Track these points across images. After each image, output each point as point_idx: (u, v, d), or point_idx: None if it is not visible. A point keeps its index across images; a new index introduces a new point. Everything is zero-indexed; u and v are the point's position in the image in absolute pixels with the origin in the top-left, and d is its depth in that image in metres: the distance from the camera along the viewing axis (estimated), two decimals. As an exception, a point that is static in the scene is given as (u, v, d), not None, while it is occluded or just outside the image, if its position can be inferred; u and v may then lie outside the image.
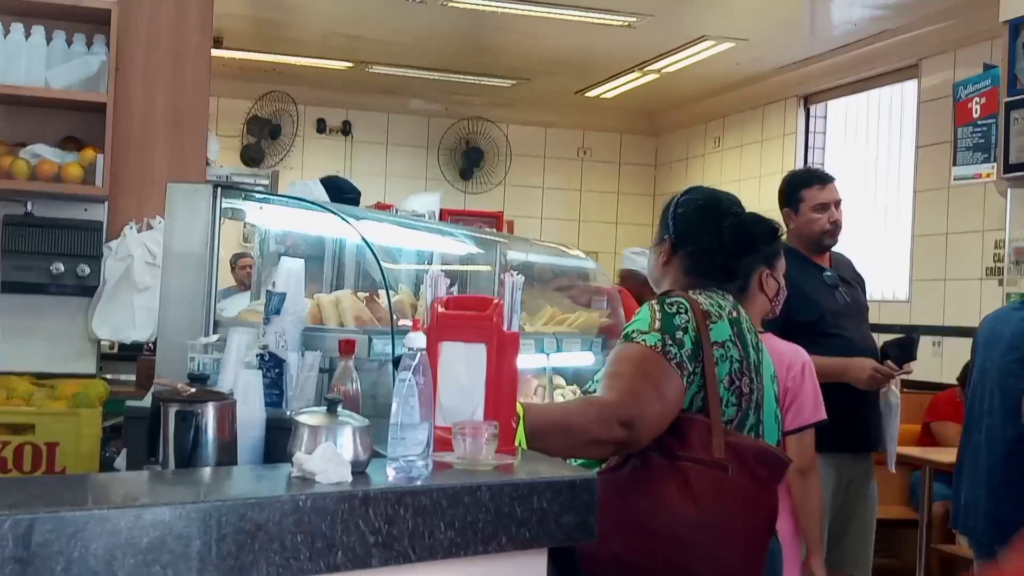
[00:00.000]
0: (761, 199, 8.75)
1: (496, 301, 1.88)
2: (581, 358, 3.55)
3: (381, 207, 6.23)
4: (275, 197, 2.73)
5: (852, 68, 7.60)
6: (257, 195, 2.70)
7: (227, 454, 1.91)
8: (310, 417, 1.61)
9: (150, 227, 4.29)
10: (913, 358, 3.78)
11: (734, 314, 2.40)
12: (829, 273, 3.95)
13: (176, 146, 4.37)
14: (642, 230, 10.26)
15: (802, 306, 3.69)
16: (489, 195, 9.94)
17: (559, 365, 3.51)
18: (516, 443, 1.90)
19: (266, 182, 5.03)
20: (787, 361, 3.09)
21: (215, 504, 1.34)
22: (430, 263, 3.49)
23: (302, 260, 2.48)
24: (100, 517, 1.24)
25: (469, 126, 9.96)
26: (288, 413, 2.34)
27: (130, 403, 2.59)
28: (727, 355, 2.31)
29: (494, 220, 8.98)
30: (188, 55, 4.41)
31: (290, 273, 2.47)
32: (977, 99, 4.83)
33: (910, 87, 7.14)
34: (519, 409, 1.97)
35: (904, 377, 3.81)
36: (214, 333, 2.56)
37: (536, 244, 4.16)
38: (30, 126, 4.22)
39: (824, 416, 3.16)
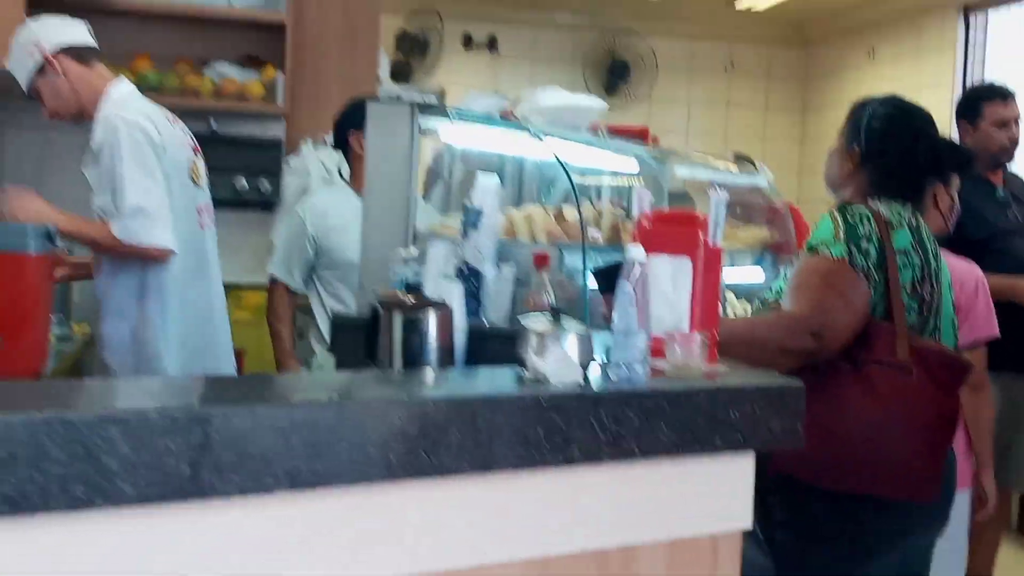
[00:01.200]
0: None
1: (702, 216, 1.96)
2: (750, 273, 3.61)
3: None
4: (469, 114, 2.84)
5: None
6: (450, 114, 2.81)
7: (447, 357, 2.05)
8: (537, 323, 1.72)
9: (325, 143, 4.46)
10: None
11: (913, 222, 2.46)
12: (1002, 191, 3.92)
13: (348, 64, 4.52)
14: (790, 145, 10.14)
15: (973, 223, 3.69)
16: (635, 109, 9.92)
17: (729, 281, 3.58)
18: None
19: (435, 100, 5.13)
20: (960, 277, 3.11)
21: (470, 397, 1.47)
22: (602, 177, 3.57)
23: (497, 177, 2.60)
24: (385, 403, 1.39)
25: (615, 40, 9.93)
26: (485, 322, 2.49)
27: (337, 312, 2.76)
28: (909, 262, 2.39)
29: (640, 135, 9.00)
30: (360, -27, 4.54)
31: (486, 190, 2.58)
32: None
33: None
34: None
35: None
36: (413, 246, 2.71)
37: (706, 158, 4.20)
38: (212, 44, 4.41)
39: (996, 332, 3.18)
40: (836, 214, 2.41)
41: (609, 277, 2.04)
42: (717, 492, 1.76)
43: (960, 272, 3.15)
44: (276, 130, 4.44)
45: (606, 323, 2.23)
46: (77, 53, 3.08)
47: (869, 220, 2.37)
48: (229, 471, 1.28)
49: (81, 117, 3.12)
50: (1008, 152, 3.92)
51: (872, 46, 9.22)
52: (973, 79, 7.99)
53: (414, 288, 2.22)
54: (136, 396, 1.48)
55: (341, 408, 1.37)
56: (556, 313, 1.75)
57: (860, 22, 9.24)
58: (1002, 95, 3.95)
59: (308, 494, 1.35)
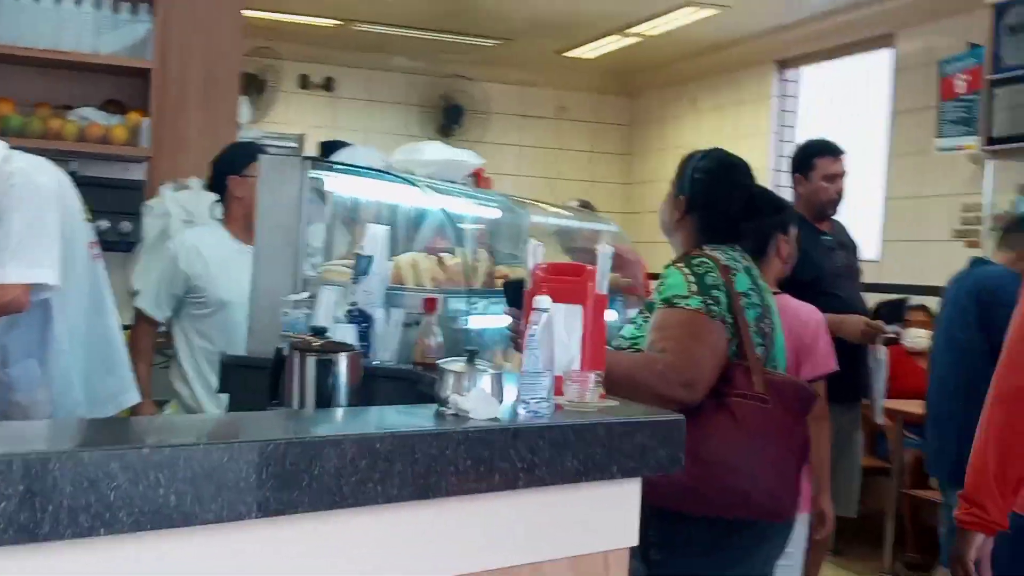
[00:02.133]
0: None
1: (589, 268, 2.19)
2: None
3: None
4: (353, 168, 3.01)
5: (828, 35, 7.93)
6: (336, 167, 2.98)
7: (356, 397, 2.22)
8: (454, 365, 1.91)
9: (185, 187, 4.55)
10: (902, 318, 4.15)
11: (746, 263, 2.74)
12: (828, 237, 4.30)
13: (209, 109, 4.62)
14: (617, 188, 10.58)
15: (804, 266, 4.03)
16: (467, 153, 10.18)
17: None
18: None
19: (294, 144, 5.29)
20: (803, 318, 3.42)
21: (410, 433, 1.65)
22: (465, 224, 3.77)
23: (387, 227, 2.78)
24: (332, 441, 1.55)
25: (450, 83, 10.20)
26: (374, 363, 2.66)
27: (227, 354, 2.89)
28: (751, 302, 2.67)
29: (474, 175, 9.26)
30: (222, 20, 4.65)
31: (376, 238, 2.77)
32: (961, 76, 5.19)
33: (885, 55, 7.48)
34: None
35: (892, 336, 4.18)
36: (304, 291, 2.86)
37: (557, 208, 4.46)
38: (74, 89, 4.46)
39: (835, 367, 3.50)
40: (684, 268, 2.65)
41: (515, 291, 2.28)
42: (611, 514, 1.98)
43: (803, 313, 3.46)
44: (136, 173, 4.51)
45: (514, 339, 2.45)
46: None
47: (714, 269, 2.63)
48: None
49: None
50: (835, 203, 4.30)
51: (694, 96, 9.74)
52: (786, 129, 8.55)
53: (319, 331, 2.37)
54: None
55: (305, 445, 1.53)
56: (472, 354, 1.94)
57: (683, 74, 9.76)
58: (832, 152, 4.32)
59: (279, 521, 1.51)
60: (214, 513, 1.45)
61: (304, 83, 9.92)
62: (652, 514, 2.42)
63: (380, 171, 3.04)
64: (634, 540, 2.02)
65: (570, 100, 10.62)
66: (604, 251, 2.22)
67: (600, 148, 10.73)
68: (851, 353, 4.09)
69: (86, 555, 1.37)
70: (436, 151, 3.33)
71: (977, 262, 4.12)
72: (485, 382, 1.89)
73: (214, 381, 3.70)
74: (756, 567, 2.71)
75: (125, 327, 4.31)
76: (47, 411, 3.11)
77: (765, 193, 2.97)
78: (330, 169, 2.98)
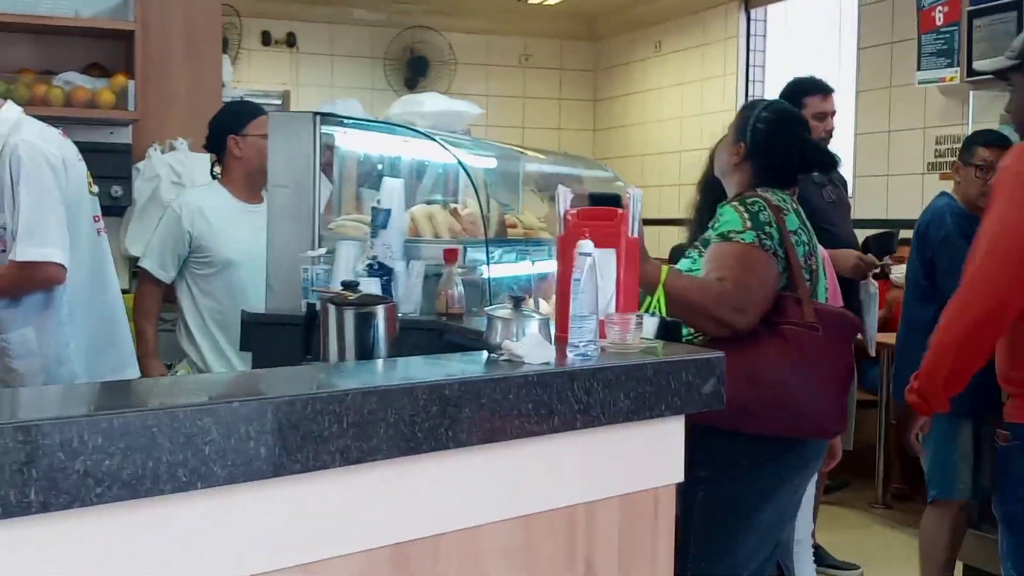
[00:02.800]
0: (704, 103, 9.15)
1: (621, 212, 2.22)
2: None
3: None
4: (363, 122, 3.02)
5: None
6: (347, 121, 2.99)
7: (395, 348, 2.25)
8: (502, 311, 1.94)
9: (173, 148, 4.53)
10: (892, 251, 4.21)
11: (795, 206, 2.87)
12: (817, 173, 4.34)
13: (193, 69, 4.59)
14: (584, 135, 10.59)
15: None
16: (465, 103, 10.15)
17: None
18: (657, 298, 2.48)
19: (278, 102, 5.26)
20: None
21: (475, 379, 1.68)
22: (459, 175, 3.79)
23: (402, 179, 2.80)
24: (405, 389, 1.58)
25: (413, 35, 10.15)
26: (400, 314, 2.68)
27: (248, 311, 2.91)
28: (800, 240, 2.82)
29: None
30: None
31: (392, 191, 2.78)
32: (940, 7, 5.25)
33: (850, -9, 7.54)
34: (663, 270, 2.54)
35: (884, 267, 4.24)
36: (320, 247, 2.88)
37: (551, 155, 4.48)
38: (56, 54, 4.41)
39: (840, 303, 3.57)
40: (739, 206, 2.80)
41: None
42: (659, 451, 2.02)
43: None
44: (123, 136, 4.47)
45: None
46: None
47: (765, 208, 2.78)
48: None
49: None
50: (824, 142, 4.33)
51: (659, 40, 9.75)
52: (755, 67, 8.59)
53: (351, 285, 2.39)
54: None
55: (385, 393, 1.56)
56: (517, 301, 1.97)
57: (647, 17, 9.76)
58: (823, 90, 4.36)
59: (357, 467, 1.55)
60: (300, 464, 1.48)
61: (266, 40, 9.83)
62: (700, 433, 2.48)
63: (392, 124, 3.05)
64: (680, 476, 2.07)
65: (535, 47, 10.60)
66: (635, 194, 2.25)
67: (567, 95, 10.73)
68: (844, 287, 4.16)
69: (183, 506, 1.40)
70: (436, 102, 3.34)
71: (940, 196, 4.20)
72: (533, 327, 1.93)
73: (221, 340, 3.71)
74: (795, 488, 2.87)
75: (124, 292, 4.32)
76: (40, 380, 3.12)
77: (821, 151, 3.12)
78: (341, 124, 2.99)
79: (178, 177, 4.45)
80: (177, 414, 1.36)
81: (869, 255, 4.15)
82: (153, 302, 3.85)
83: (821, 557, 4.62)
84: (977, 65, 2.80)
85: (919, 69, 5.51)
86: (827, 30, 7.98)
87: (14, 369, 3.12)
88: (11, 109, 3.12)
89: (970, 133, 4.66)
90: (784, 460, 2.79)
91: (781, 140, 2.92)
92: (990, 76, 4.71)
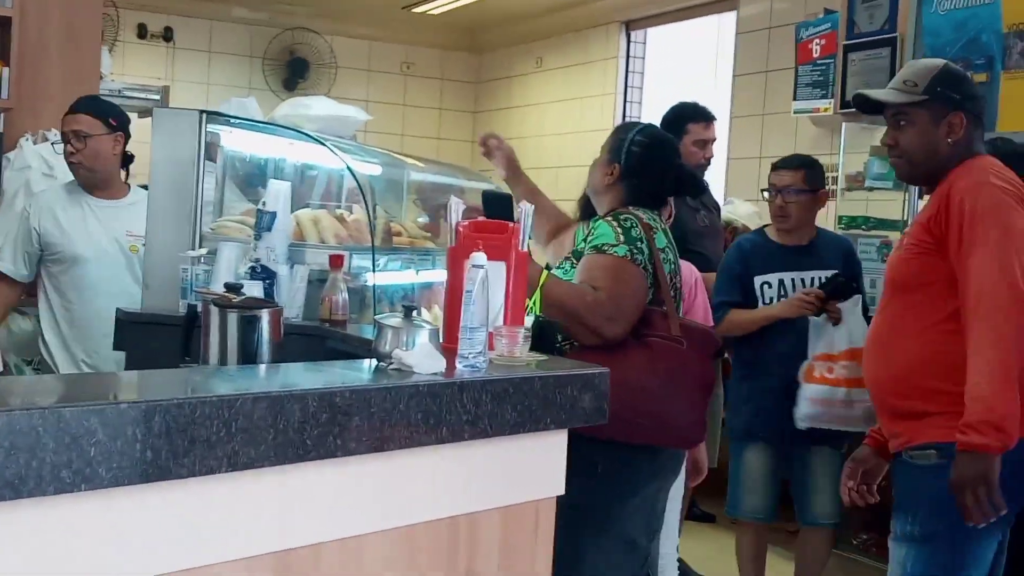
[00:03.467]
0: (583, 120, 9.25)
1: (512, 226, 2.24)
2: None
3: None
4: (250, 123, 2.98)
5: (674, -2, 8.11)
6: (233, 120, 2.94)
7: (278, 353, 2.22)
8: (392, 320, 1.94)
9: (45, 139, 4.40)
10: (844, 298, 4.25)
11: (663, 226, 2.98)
12: (690, 198, 4.42)
13: (71, 59, 4.46)
14: (463, 146, 10.59)
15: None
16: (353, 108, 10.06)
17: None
18: (534, 300, 2.53)
19: (157, 97, 5.15)
20: (683, 276, 3.56)
21: (366, 388, 1.68)
22: (345, 180, 3.77)
23: (289, 183, 2.77)
24: (296, 395, 1.57)
25: (294, 36, 10.03)
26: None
27: (123, 310, 2.84)
28: (667, 258, 2.91)
29: (319, 132, 9.15)
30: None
31: (279, 194, 2.75)
32: (817, 40, 5.41)
33: (728, 18, 7.69)
34: (543, 274, 2.60)
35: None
36: (201, 247, 2.82)
37: (435, 164, 4.48)
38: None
39: (712, 324, 3.64)
40: (612, 221, 2.86)
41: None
42: (542, 464, 2.04)
43: (683, 272, 3.59)
44: (-6, 125, 4.34)
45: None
46: None
47: (637, 225, 2.85)
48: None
49: None
50: (703, 168, 4.42)
51: (540, 56, 9.81)
52: (633, 90, 8.72)
53: (234, 288, 2.36)
54: None
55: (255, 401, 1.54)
56: (408, 310, 1.97)
57: (528, 33, 9.82)
58: (705, 117, 4.43)
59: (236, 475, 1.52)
60: (187, 468, 1.45)
61: (142, 32, 9.60)
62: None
63: (279, 126, 3.01)
64: (561, 489, 2.09)
65: (417, 56, 10.58)
66: (526, 209, 2.27)
67: (448, 105, 10.73)
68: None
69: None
70: (324, 106, 3.31)
71: None
72: (424, 337, 1.93)
73: (69, 337, 3.63)
74: (649, 496, 2.94)
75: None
76: None
77: (692, 175, 3.24)
78: (227, 123, 2.94)
79: (50, 169, 4.33)
80: (64, 414, 1.33)
81: (815, 290, 4.16)
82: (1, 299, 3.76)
83: (685, 572, 4.70)
84: (873, 94, 2.86)
85: (795, 99, 5.67)
86: (705, 55, 8.15)
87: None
88: None
89: (842, 162, 4.81)
90: (638, 466, 2.87)
91: (654, 164, 3.02)
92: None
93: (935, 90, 2.78)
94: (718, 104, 7.79)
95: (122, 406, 1.38)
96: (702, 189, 3.23)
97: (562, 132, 9.32)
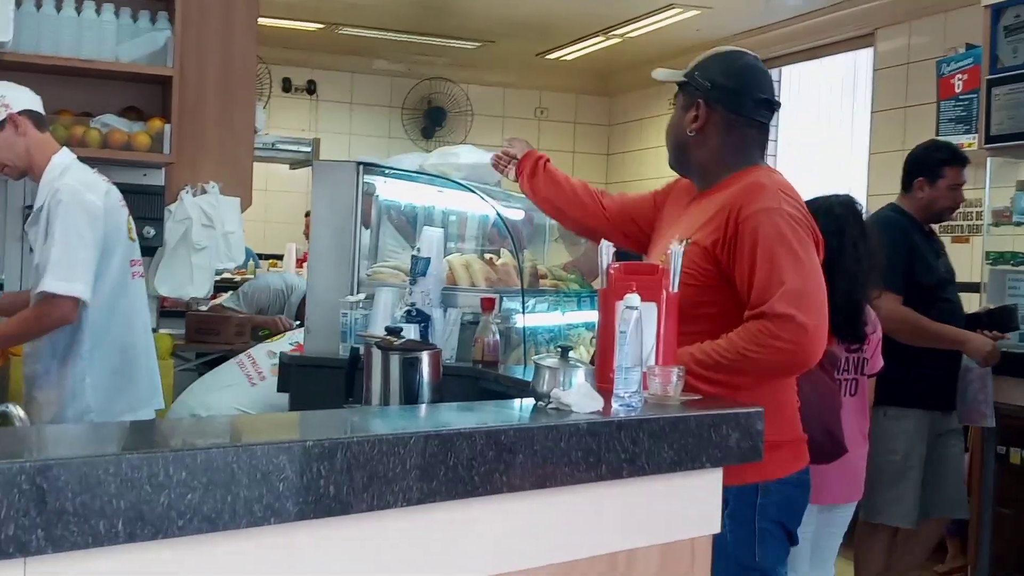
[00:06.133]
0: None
1: (662, 267, 2.28)
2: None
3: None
4: (403, 172, 3.10)
5: (808, 36, 8.07)
6: (387, 171, 3.06)
7: (438, 393, 2.30)
8: (549, 361, 2.00)
9: (204, 191, 4.61)
10: (1016, 328, 4.22)
11: None
12: (936, 242, 4.37)
13: (227, 114, 4.67)
14: (597, 187, 10.66)
15: (923, 270, 4.13)
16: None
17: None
18: None
19: (308, 149, 5.36)
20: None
21: (530, 427, 1.74)
22: (490, 224, 3.86)
23: (441, 229, 2.87)
24: (465, 434, 1.64)
25: (432, 86, 10.28)
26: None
27: (285, 354, 2.96)
28: None
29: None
30: (237, 28, 4.70)
31: (432, 240, 2.85)
32: (960, 75, 5.35)
33: (865, 55, 7.64)
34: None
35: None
36: (359, 292, 2.94)
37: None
38: (92, 97, 4.50)
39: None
40: None
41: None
42: (698, 502, 2.07)
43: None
44: (156, 178, 4.55)
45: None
46: (37, 119, 3.25)
47: None
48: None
49: (23, 175, 3.28)
50: (952, 212, 4.37)
51: (671, 97, 9.82)
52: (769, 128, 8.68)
53: (394, 331, 2.45)
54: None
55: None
56: (564, 351, 2.03)
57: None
58: (963, 162, 4.26)
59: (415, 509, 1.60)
60: (366, 503, 1.53)
61: (287, 86, 9.96)
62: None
63: (431, 175, 3.12)
64: (717, 527, 2.11)
65: (550, 101, 10.73)
66: (675, 250, 2.31)
67: (581, 148, 10.84)
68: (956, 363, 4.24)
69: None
70: (470, 154, 3.41)
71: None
72: (581, 376, 1.98)
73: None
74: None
75: (153, 330, 4.38)
76: (54, 411, 3.22)
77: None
78: (382, 174, 3.06)
79: (208, 220, 4.53)
80: (255, 451, 1.42)
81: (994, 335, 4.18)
82: None
83: None
84: (655, 74, 2.77)
85: (937, 134, 5.60)
86: (841, 92, 8.09)
87: (35, 398, 3.21)
88: (64, 155, 3.26)
89: (987, 200, 4.74)
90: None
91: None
92: (1008, 143, 4.84)
93: (693, 74, 2.63)
94: (855, 141, 7.75)
95: (308, 443, 1.47)
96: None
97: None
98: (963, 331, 4.15)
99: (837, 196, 3.57)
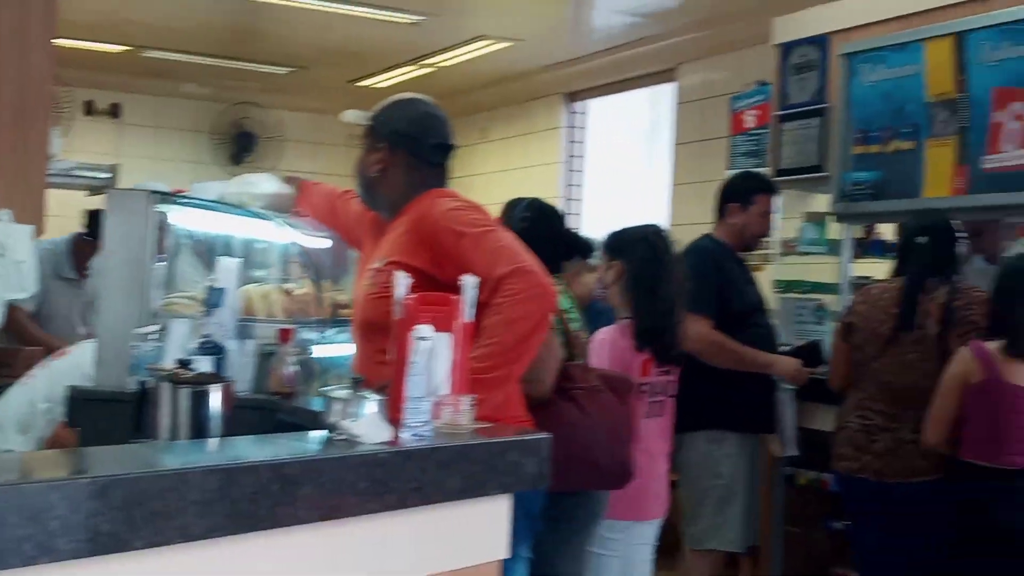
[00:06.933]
0: (528, 190, 9.39)
1: (455, 298, 2.32)
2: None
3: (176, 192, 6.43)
4: (198, 201, 3.06)
5: (615, 69, 8.30)
6: (180, 200, 3.02)
7: (228, 427, 2.28)
8: (339, 392, 2.01)
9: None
10: (823, 361, 4.41)
11: (562, 287, 3.29)
12: (748, 268, 4.53)
13: (20, 138, 4.50)
14: (410, 215, 10.69)
15: (735, 296, 4.29)
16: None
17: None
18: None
19: (108, 175, 5.20)
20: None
21: (316, 459, 1.75)
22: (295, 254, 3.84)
23: (238, 260, 2.84)
24: (248, 467, 1.63)
25: (241, 111, 10.14)
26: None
27: (75, 388, 2.88)
28: (572, 316, 3.30)
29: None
30: (31, 47, 4.53)
31: (228, 270, 2.82)
32: (751, 111, 5.59)
33: (668, 89, 7.90)
34: None
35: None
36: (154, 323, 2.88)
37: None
38: None
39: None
40: None
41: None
42: (486, 528, 2.11)
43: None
44: (-58, 204, 4.36)
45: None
46: None
47: None
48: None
49: None
50: (763, 239, 4.62)
51: (485, 126, 9.97)
52: (575, 160, 8.90)
53: (184, 363, 2.42)
54: None
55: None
56: (355, 382, 2.04)
57: (474, 104, 9.98)
58: (773, 190, 4.50)
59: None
60: (143, 540, 1.51)
61: (89, 109, 9.67)
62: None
63: (227, 204, 3.09)
64: (506, 552, 2.16)
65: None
66: (468, 281, 2.35)
67: (394, 176, 10.83)
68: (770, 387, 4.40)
69: None
70: (269, 183, 3.39)
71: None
72: (371, 407, 2.00)
73: None
74: (581, 541, 3.27)
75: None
76: None
77: (578, 237, 3.82)
78: (174, 203, 3.02)
79: (1, 248, 4.36)
80: (25, 490, 1.39)
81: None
82: None
83: None
84: (343, 116, 3.07)
85: (729, 168, 5.84)
86: (642, 125, 8.34)
87: None
88: None
89: (778, 228, 4.96)
90: (575, 514, 3.13)
91: (542, 233, 3.29)
92: (797, 176, 5.09)
93: (378, 119, 2.93)
94: (656, 172, 8.00)
95: (81, 481, 1.44)
96: (590, 250, 3.72)
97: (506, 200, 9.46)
98: (770, 354, 4.33)
99: (649, 226, 3.79)
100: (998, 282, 3.70)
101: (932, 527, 3.68)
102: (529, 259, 2.61)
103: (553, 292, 2.64)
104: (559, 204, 8.68)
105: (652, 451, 3.65)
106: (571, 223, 6.85)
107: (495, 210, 3.04)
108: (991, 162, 4.18)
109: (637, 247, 3.67)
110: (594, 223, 7.75)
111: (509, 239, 2.67)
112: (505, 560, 2.30)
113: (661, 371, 3.69)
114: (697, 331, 4.01)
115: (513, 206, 3.55)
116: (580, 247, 3.87)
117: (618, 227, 3.85)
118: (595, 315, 3.80)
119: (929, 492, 3.69)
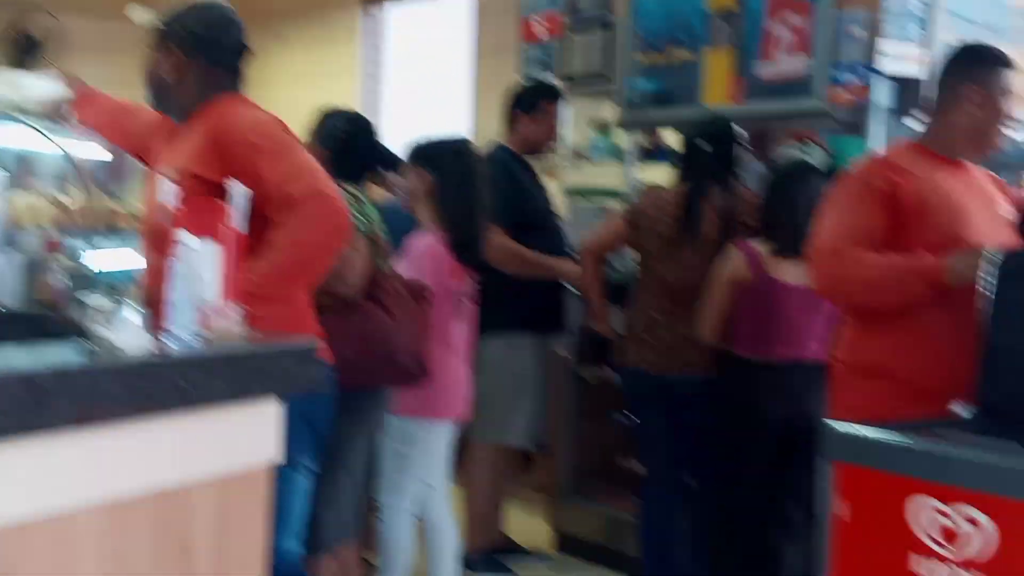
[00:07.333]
0: (327, 98, 9.23)
1: (223, 205, 2.30)
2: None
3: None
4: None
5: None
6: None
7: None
8: (100, 301, 1.98)
9: None
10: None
11: (365, 197, 3.50)
12: (536, 174, 4.62)
13: None
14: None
15: (526, 204, 4.41)
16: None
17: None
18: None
19: None
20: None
21: (70, 370, 1.72)
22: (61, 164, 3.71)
23: (7, 172, 2.74)
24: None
25: (22, 15, 9.62)
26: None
27: None
28: (376, 225, 3.45)
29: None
30: None
31: (-8, 181, 2.71)
32: (542, 21, 5.64)
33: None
34: None
35: None
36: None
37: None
38: None
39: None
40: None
41: None
42: (255, 433, 2.12)
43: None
44: None
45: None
46: None
47: (354, 201, 3.24)
48: None
49: None
50: (551, 145, 4.81)
51: (281, 32, 9.72)
52: (374, 66, 8.79)
53: (-59, 276, 2.33)
54: None
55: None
56: (114, 291, 2.01)
57: (269, 9, 9.70)
58: (559, 97, 4.70)
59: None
60: None
61: None
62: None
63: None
64: (276, 455, 2.17)
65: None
66: (236, 189, 2.33)
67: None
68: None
69: None
70: (43, 86, 3.25)
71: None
72: (130, 316, 1.98)
73: None
74: (369, 435, 3.47)
75: None
76: None
77: (384, 148, 4.03)
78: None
79: None
80: None
81: None
82: None
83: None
84: (131, 15, 3.16)
85: (523, 76, 5.87)
86: (447, 33, 8.28)
87: None
88: None
89: (568, 136, 5.09)
90: (369, 409, 3.36)
91: (360, 145, 3.58)
92: (583, 85, 5.18)
93: (172, 23, 2.92)
94: (460, 82, 7.97)
95: None
96: (397, 162, 3.81)
97: (305, 109, 9.30)
98: (557, 260, 4.50)
99: (458, 138, 3.96)
100: (768, 186, 3.88)
101: (708, 417, 3.88)
102: (328, 183, 2.68)
103: (348, 221, 2.75)
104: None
105: (458, 353, 3.81)
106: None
107: (292, 119, 2.99)
108: (766, 70, 4.33)
109: (449, 160, 3.74)
110: (395, 134, 7.71)
111: (308, 158, 2.71)
112: (285, 469, 2.33)
113: (469, 278, 3.83)
114: (496, 241, 4.11)
115: (330, 115, 3.70)
116: (388, 160, 4.05)
117: (424, 138, 3.90)
118: (393, 223, 3.83)
119: (705, 384, 3.88)
